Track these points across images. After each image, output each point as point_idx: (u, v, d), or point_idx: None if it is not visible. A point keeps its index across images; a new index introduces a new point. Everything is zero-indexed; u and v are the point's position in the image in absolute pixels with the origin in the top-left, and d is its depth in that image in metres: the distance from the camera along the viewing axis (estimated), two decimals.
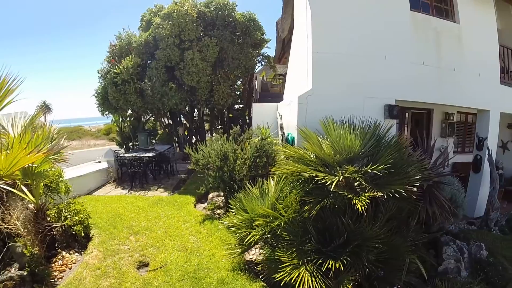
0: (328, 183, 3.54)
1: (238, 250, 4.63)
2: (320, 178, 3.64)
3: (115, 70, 10.58)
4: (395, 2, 6.16)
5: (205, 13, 11.28)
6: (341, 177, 3.60)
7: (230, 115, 15.04)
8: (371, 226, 3.82)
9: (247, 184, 5.01)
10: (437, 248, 5.48)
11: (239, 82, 13.85)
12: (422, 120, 9.62)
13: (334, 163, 4.00)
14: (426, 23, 6.46)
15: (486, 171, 7.24)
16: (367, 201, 3.46)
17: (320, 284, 3.36)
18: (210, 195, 7.37)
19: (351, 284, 3.57)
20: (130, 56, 10.82)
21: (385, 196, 3.58)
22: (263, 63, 14.46)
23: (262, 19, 13.22)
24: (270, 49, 32.12)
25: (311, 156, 4.19)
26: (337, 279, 3.57)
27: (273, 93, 16.30)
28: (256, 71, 15.84)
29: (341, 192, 3.60)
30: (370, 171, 3.68)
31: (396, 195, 3.57)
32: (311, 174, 3.77)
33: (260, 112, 9.68)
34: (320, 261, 3.55)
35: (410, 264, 4.33)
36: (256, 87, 15.85)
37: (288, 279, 3.46)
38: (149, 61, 11.36)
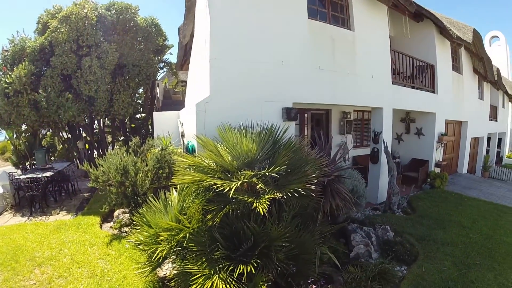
0: (227, 190, 3.48)
1: (148, 268, 4.35)
2: (218, 185, 3.57)
3: (6, 80, 9.30)
4: (293, 10, 6.39)
5: (105, 17, 10.54)
6: (239, 183, 3.57)
7: (132, 125, 14.22)
8: (276, 226, 3.86)
9: (151, 197, 4.75)
10: (346, 236, 5.84)
11: (140, 90, 13.22)
12: (321, 120, 10.26)
13: (233, 169, 3.96)
14: (322, 30, 6.85)
15: (384, 161, 7.95)
16: (267, 203, 3.48)
17: None
18: (116, 213, 6.87)
19: (266, 284, 3.57)
20: (24, 63, 9.62)
21: (285, 196, 3.64)
22: (165, 69, 14.05)
23: (166, 25, 12.88)
24: (173, 55, 31.05)
25: (211, 163, 4.10)
26: (252, 282, 3.55)
27: (175, 101, 16.00)
28: (159, 78, 15.39)
29: (241, 197, 3.58)
30: (267, 173, 3.71)
31: (296, 194, 3.65)
32: (210, 182, 3.69)
33: (161, 120, 9.43)
34: (231, 267, 3.48)
35: (322, 255, 4.50)
36: (158, 95, 15.41)
37: None
38: (44, 69, 10.20)
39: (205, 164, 4.09)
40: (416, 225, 6.81)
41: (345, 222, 6.22)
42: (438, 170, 10.84)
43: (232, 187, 3.47)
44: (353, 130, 10.55)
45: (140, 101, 13.57)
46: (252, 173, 3.73)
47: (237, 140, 4.13)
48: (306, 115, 9.34)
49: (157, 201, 4.61)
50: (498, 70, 15.16)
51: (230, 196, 3.54)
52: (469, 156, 14.79)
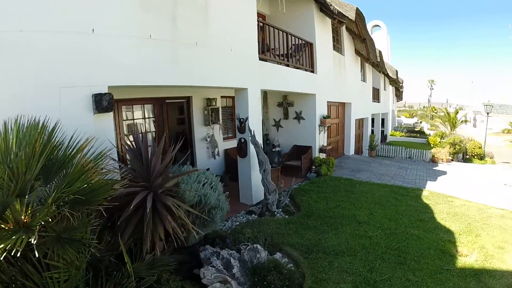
0: None
1: None
2: None
3: None
4: None
5: None
6: None
7: None
8: None
9: None
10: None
11: None
12: (182, 109, 8.71)
13: None
14: None
15: (254, 154, 6.54)
16: None
17: None
18: None
19: None
20: None
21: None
22: None
23: None
24: None
25: None
26: None
27: None
28: None
29: None
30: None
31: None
32: None
33: None
34: None
35: None
36: None
37: None
38: None
39: None
40: (300, 229, 5.51)
41: (200, 244, 4.69)
42: (323, 155, 10.11)
43: None
44: (222, 119, 9.02)
45: None
46: None
47: None
48: (162, 106, 7.64)
49: None
50: (380, 52, 15.39)
51: None
52: (355, 137, 14.79)
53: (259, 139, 6.69)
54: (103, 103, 4.08)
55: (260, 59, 7.09)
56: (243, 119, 6.58)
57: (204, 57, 5.57)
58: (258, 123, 6.98)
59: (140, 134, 3.87)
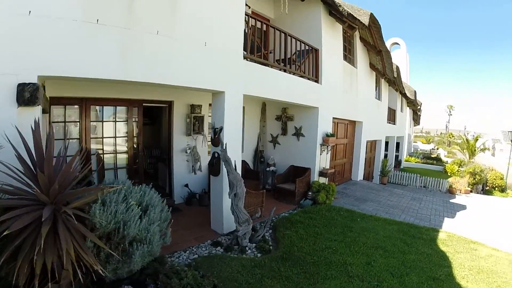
0: None
1: None
2: None
3: None
4: None
5: None
6: None
7: None
8: None
9: None
10: None
11: None
12: (165, 115, 7.72)
13: None
14: None
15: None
16: None
17: None
18: None
19: None
20: None
21: None
22: None
23: None
24: None
25: None
26: None
27: None
28: None
29: None
30: None
31: None
32: None
33: None
34: None
35: None
36: None
37: None
38: None
39: None
40: (267, 278, 4.09)
41: (131, 279, 3.46)
42: (324, 180, 8.74)
43: None
44: (208, 129, 7.69)
45: None
46: None
47: None
48: (138, 109, 6.63)
49: None
50: (397, 67, 14.05)
51: None
52: (365, 161, 13.32)
53: (235, 157, 5.40)
54: (25, 94, 3.21)
55: (249, 59, 5.91)
56: (217, 129, 5.32)
57: (166, 50, 4.42)
58: (237, 136, 5.70)
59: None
